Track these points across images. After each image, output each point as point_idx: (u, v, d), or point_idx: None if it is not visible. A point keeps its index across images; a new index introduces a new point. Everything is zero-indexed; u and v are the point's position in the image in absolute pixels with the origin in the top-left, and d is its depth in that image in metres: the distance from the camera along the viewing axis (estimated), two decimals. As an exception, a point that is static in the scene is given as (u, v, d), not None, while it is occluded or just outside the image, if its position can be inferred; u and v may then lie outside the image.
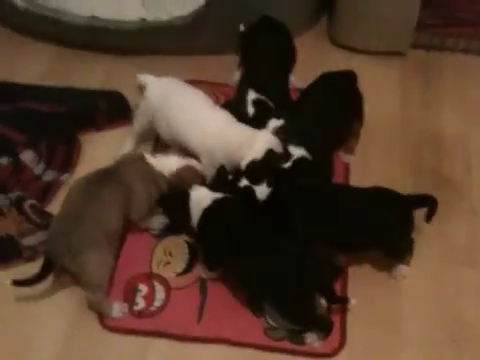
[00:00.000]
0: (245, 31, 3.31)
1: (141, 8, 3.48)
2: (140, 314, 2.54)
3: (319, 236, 2.55)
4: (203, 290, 2.61)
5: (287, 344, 2.48)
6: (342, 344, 2.48)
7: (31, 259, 2.64)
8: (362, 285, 2.63)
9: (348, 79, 2.97)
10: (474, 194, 2.99)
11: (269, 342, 2.48)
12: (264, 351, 2.46)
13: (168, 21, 3.41)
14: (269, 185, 2.61)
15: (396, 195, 2.60)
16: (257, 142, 2.68)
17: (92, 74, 3.45)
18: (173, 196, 2.64)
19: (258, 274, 2.42)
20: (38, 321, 2.52)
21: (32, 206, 2.76)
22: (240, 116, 2.87)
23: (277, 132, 2.75)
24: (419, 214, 2.64)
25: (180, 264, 2.69)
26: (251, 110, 2.91)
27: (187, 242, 2.75)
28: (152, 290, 2.61)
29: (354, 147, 3.04)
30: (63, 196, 2.64)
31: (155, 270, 2.67)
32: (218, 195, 2.56)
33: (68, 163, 2.99)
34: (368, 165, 3.05)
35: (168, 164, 2.69)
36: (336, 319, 2.52)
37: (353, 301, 2.47)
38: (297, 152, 2.67)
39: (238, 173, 2.66)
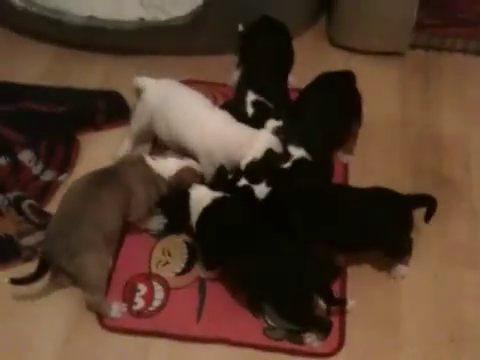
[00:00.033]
0: (244, 31, 3.31)
1: (140, 8, 3.48)
2: (139, 314, 2.54)
3: (319, 236, 2.55)
4: (202, 290, 2.60)
5: (286, 344, 2.47)
6: (341, 344, 2.48)
7: (30, 259, 2.64)
8: (361, 285, 2.63)
9: (347, 79, 2.96)
10: (474, 194, 2.99)
11: (268, 342, 2.48)
12: (263, 351, 2.46)
13: (167, 21, 3.41)
14: (268, 185, 2.60)
15: (395, 195, 2.60)
16: (257, 142, 2.68)
17: (91, 74, 3.45)
18: (173, 197, 2.64)
19: (257, 274, 2.42)
20: (37, 321, 2.52)
21: (31, 206, 2.76)
22: (239, 116, 2.87)
23: (277, 132, 2.75)
24: (419, 214, 2.64)
25: (179, 264, 2.69)
26: (250, 111, 2.91)
27: (186, 242, 2.75)
28: (151, 290, 2.61)
29: (353, 147, 3.04)
30: (62, 196, 2.64)
31: (154, 270, 2.67)
32: (218, 194, 2.56)
33: (67, 163, 2.99)
34: (367, 165, 3.05)
35: (167, 166, 2.69)
36: (335, 319, 2.52)
37: (351, 303, 2.46)
38: (297, 152, 2.67)
39: (238, 173, 2.66)
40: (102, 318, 2.52)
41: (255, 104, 2.92)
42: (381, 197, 2.59)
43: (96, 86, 3.36)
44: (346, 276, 2.66)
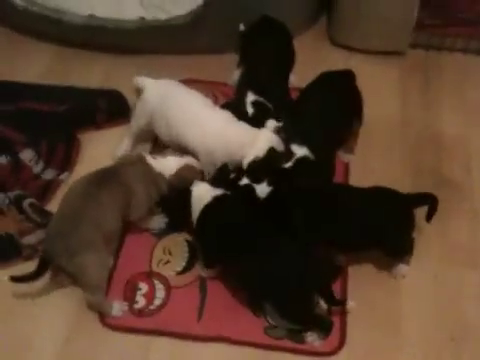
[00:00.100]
0: (245, 31, 3.31)
1: (140, 7, 3.48)
2: (140, 312, 2.54)
3: (319, 236, 2.55)
4: (203, 289, 2.61)
5: (287, 343, 2.47)
6: (342, 343, 2.48)
7: (30, 258, 2.63)
8: (362, 285, 2.63)
9: (347, 78, 2.96)
10: (474, 194, 2.99)
11: (269, 341, 2.48)
12: (264, 350, 2.46)
13: (167, 20, 3.41)
14: (269, 184, 2.60)
15: (396, 194, 2.59)
16: (259, 141, 2.69)
17: (91, 73, 3.46)
18: (175, 195, 2.63)
19: (258, 274, 2.42)
20: (38, 321, 2.52)
21: (32, 205, 2.76)
22: (240, 116, 2.87)
23: (278, 131, 2.75)
24: (419, 214, 2.64)
25: (180, 263, 2.69)
26: (250, 111, 2.91)
27: (187, 241, 2.75)
28: (152, 289, 2.61)
29: (354, 147, 3.04)
30: (62, 195, 2.64)
31: (155, 269, 2.67)
32: (218, 192, 2.56)
33: (67, 162, 2.99)
34: (368, 165, 3.05)
35: (168, 165, 2.68)
36: (336, 318, 2.52)
37: (351, 303, 2.47)
38: (300, 151, 2.67)
39: (240, 171, 2.66)
40: (103, 317, 2.51)
41: (255, 105, 2.92)
42: (382, 196, 2.59)
43: (96, 85, 3.36)
44: (347, 276, 2.65)
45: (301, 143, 2.68)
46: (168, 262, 2.69)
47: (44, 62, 3.51)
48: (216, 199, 2.54)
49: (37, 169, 2.95)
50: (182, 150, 2.81)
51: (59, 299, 2.57)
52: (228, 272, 2.59)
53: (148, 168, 2.66)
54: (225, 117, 2.83)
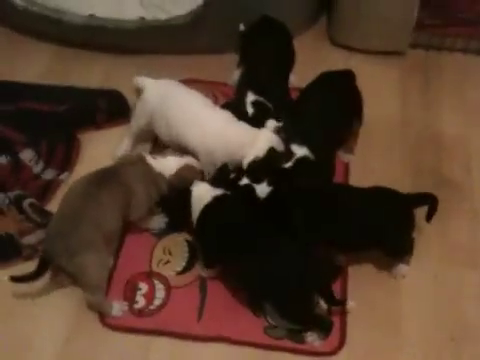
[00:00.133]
0: (245, 31, 3.30)
1: (140, 7, 3.48)
2: (140, 312, 2.54)
3: (319, 236, 2.55)
4: (203, 289, 2.60)
5: (287, 343, 2.47)
6: (342, 343, 2.48)
7: (30, 258, 2.63)
8: (362, 285, 2.63)
9: (347, 78, 2.96)
10: (474, 194, 2.99)
11: (269, 341, 2.48)
12: (264, 350, 2.46)
13: (167, 20, 3.41)
14: (269, 184, 2.60)
15: (396, 194, 2.59)
16: (259, 141, 2.69)
17: (91, 73, 3.45)
18: (175, 195, 2.63)
19: (257, 274, 2.42)
20: (38, 321, 2.52)
21: (32, 205, 2.75)
22: (240, 116, 2.87)
23: (278, 131, 2.75)
24: (419, 214, 2.64)
25: (180, 263, 2.69)
26: (250, 111, 2.91)
27: (187, 241, 2.75)
28: (152, 289, 2.61)
29: (353, 146, 3.04)
30: (63, 195, 2.64)
31: (155, 269, 2.67)
32: (218, 192, 2.56)
33: (67, 162, 2.99)
34: (368, 165, 3.05)
35: (168, 165, 2.68)
36: (336, 318, 2.52)
37: (351, 303, 2.47)
38: (300, 151, 2.67)
39: (240, 172, 2.66)
40: (103, 317, 2.51)
41: (255, 105, 2.92)
42: (382, 197, 2.59)
43: (96, 85, 3.36)
44: (347, 276, 2.65)
45: (301, 143, 2.68)
46: (168, 262, 2.69)
47: (44, 62, 3.51)
48: (216, 199, 2.54)
49: (37, 169, 2.94)
50: (182, 150, 2.81)
51: (59, 299, 2.57)
52: (228, 272, 2.59)
53: (148, 168, 2.66)
54: (225, 117, 2.83)
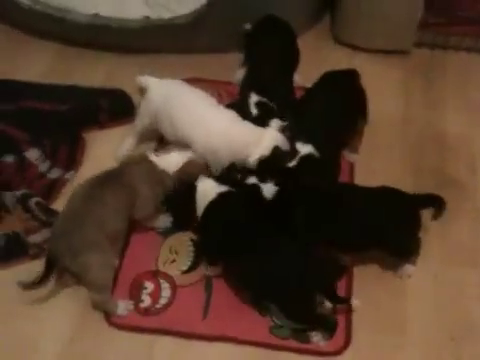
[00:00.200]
0: (249, 30, 3.30)
1: (145, 6, 3.47)
2: (146, 311, 2.54)
3: (323, 236, 2.55)
4: (208, 288, 2.61)
5: (292, 343, 2.48)
6: (347, 343, 2.48)
7: (37, 256, 2.64)
8: (367, 285, 2.63)
9: (351, 77, 2.96)
10: (477, 194, 2.99)
11: (274, 340, 2.48)
12: (269, 349, 2.46)
13: (170, 19, 3.40)
14: (276, 184, 2.60)
15: (403, 195, 2.59)
16: (264, 140, 2.69)
17: (94, 73, 3.45)
18: (179, 191, 2.64)
19: (258, 274, 2.42)
20: (42, 322, 2.52)
21: (38, 203, 2.76)
22: (245, 116, 2.88)
23: (283, 130, 2.76)
24: (423, 214, 2.63)
25: (185, 262, 2.69)
26: (254, 111, 2.92)
27: (192, 240, 2.75)
28: (158, 288, 2.61)
29: (358, 146, 3.04)
30: (68, 194, 2.64)
31: (161, 268, 2.67)
32: (224, 188, 2.57)
33: (73, 161, 2.99)
34: (372, 165, 3.05)
35: (172, 161, 2.69)
36: (341, 318, 2.53)
37: (355, 302, 2.48)
38: (304, 149, 2.67)
39: (247, 171, 2.66)
40: (108, 316, 2.52)
41: (258, 105, 2.92)
42: (388, 197, 2.58)
43: (99, 84, 3.35)
44: (352, 276, 2.66)
45: (306, 141, 2.68)
46: (174, 261, 2.69)
47: (46, 61, 3.51)
48: (221, 196, 2.55)
49: (43, 168, 2.95)
50: (187, 148, 2.81)
51: (63, 300, 2.57)
52: (229, 272, 2.60)
53: (152, 167, 2.66)
54: (230, 116, 2.83)
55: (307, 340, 2.48)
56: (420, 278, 2.68)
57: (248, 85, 3.06)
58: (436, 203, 2.61)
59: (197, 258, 2.69)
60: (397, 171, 3.05)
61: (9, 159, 2.94)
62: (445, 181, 3.02)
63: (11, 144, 2.99)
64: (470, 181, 3.05)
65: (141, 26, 3.39)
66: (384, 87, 3.43)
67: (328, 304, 2.47)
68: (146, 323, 2.51)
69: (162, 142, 3.02)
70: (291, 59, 3.20)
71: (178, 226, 2.77)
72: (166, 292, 2.60)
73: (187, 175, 2.65)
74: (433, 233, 2.76)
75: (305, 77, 3.17)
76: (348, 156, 3.03)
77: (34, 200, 2.76)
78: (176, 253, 2.72)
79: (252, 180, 2.62)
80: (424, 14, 3.47)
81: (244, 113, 2.90)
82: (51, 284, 2.56)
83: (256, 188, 2.60)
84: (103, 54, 3.52)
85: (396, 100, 3.40)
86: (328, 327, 2.49)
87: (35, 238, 2.68)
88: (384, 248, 2.61)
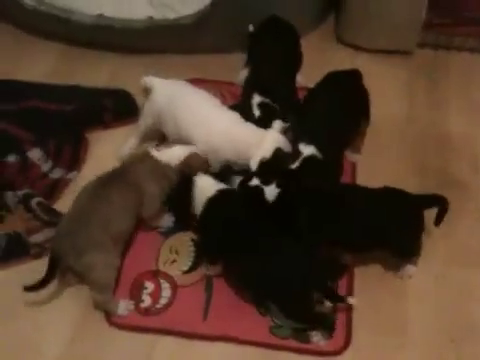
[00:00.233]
0: (253, 31, 3.31)
1: (149, 7, 3.47)
2: (146, 311, 2.55)
3: (326, 237, 2.54)
4: (209, 288, 2.61)
5: (292, 342, 2.48)
6: (347, 343, 2.48)
7: (38, 256, 2.65)
8: (368, 285, 2.63)
9: (354, 78, 2.96)
10: (481, 195, 2.99)
11: (274, 340, 2.48)
12: (269, 349, 2.46)
13: (175, 20, 3.41)
14: (278, 185, 2.59)
15: (406, 195, 2.58)
16: (265, 141, 2.69)
17: (98, 73, 3.45)
18: (178, 188, 2.64)
19: (258, 274, 2.42)
20: (43, 322, 2.53)
21: (39, 203, 2.77)
22: (247, 117, 2.88)
23: (285, 132, 2.76)
24: (425, 214, 2.62)
25: (186, 262, 2.70)
26: (257, 113, 2.92)
27: (193, 240, 2.76)
28: (158, 288, 2.61)
29: (360, 146, 3.04)
30: (70, 194, 2.66)
31: (161, 268, 2.68)
32: (223, 186, 2.58)
33: (75, 161, 3.00)
34: (375, 165, 3.04)
35: (174, 154, 2.70)
36: (341, 318, 2.53)
37: (352, 300, 2.47)
38: (307, 150, 2.67)
39: (250, 173, 2.65)
40: (109, 316, 2.52)
41: (261, 106, 2.92)
42: (391, 197, 2.57)
43: (103, 85, 3.36)
44: (353, 276, 2.65)
45: (308, 142, 2.68)
46: (174, 261, 2.70)
47: (50, 61, 3.51)
48: (220, 193, 2.55)
49: (45, 168, 2.96)
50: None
51: (64, 300, 2.58)
52: (229, 271, 2.60)
53: (156, 162, 2.66)
54: (232, 117, 2.84)
55: (307, 340, 2.48)
56: (421, 279, 2.67)
57: (251, 86, 3.06)
58: (439, 203, 2.59)
59: (198, 258, 2.70)
60: (400, 171, 3.04)
61: (12, 159, 2.95)
62: (448, 181, 3.02)
63: (14, 144, 3.00)
64: (473, 181, 3.04)
65: (145, 26, 3.40)
66: (387, 87, 3.43)
67: (328, 303, 2.47)
68: (146, 323, 2.52)
69: (164, 141, 3.01)
70: (294, 60, 3.21)
71: (179, 224, 2.77)
72: (166, 292, 2.60)
73: (189, 168, 2.66)
74: (435, 233, 2.74)
75: (308, 78, 3.17)
76: (350, 156, 3.03)
77: (36, 200, 2.77)
78: (177, 253, 2.72)
79: (255, 182, 2.61)
80: (428, 14, 3.46)
81: (247, 114, 2.90)
82: (52, 285, 2.55)
83: (258, 190, 2.59)
84: (107, 54, 3.53)
85: (399, 100, 3.39)
86: (326, 325, 2.50)
87: (37, 238, 2.69)
88: (387, 248, 2.60)
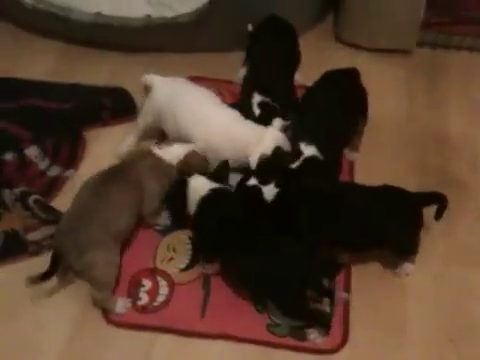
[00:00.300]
0: (252, 30, 3.31)
1: (147, 5, 3.47)
2: (144, 309, 2.54)
3: (326, 236, 2.54)
4: (206, 286, 2.61)
5: (290, 340, 2.47)
6: (344, 341, 2.48)
7: (35, 254, 2.65)
8: (366, 283, 2.63)
9: (351, 76, 2.96)
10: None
11: (272, 338, 2.48)
12: (267, 347, 2.46)
13: (173, 18, 3.41)
14: (277, 185, 2.59)
15: (405, 193, 2.58)
16: (265, 139, 2.69)
17: (97, 71, 3.45)
18: (174, 187, 2.65)
19: (256, 274, 2.42)
20: (42, 320, 2.52)
21: (37, 201, 2.76)
22: (247, 116, 2.88)
23: (285, 130, 2.76)
24: (424, 213, 2.62)
25: (183, 260, 2.69)
26: (257, 112, 2.92)
27: (190, 238, 2.75)
28: (156, 285, 2.61)
29: (358, 145, 3.04)
30: (68, 191, 2.66)
31: (159, 266, 2.67)
32: (216, 185, 2.57)
33: (73, 159, 3.00)
34: (373, 163, 3.04)
35: (175, 152, 2.70)
36: (338, 315, 2.53)
37: (345, 295, 2.49)
38: (308, 150, 2.66)
39: (249, 172, 2.65)
40: (107, 314, 2.52)
41: (261, 105, 2.92)
42: (390, 195, 2.57)
43: (103, 83, 3.36)
44: (351, 274, 2.65)
45: (309, 142, 2.67)
46: (172, 259, 2.70)
47: (50, 60, 3.51)
48: (213, 192, 2.55)
49: (43, 166, 2.95)
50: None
51: (63, 299, 2.57)
52: (226, 270, 2.60)
53: (157, 159, 2.67)
54: (232, 115, 2.84)
55: (304, 338, 2.48)
56: (420, 277, 2.67)
57: (250, 84, 3.06)
58: (438, 200, 2.59)
59: (195, 256, 2.69)
60: (399, 170, 3.04)
61: (9, 157, 2.95)
62: (447, 180, 3.01)
63: (12, 142, 3.00)
64: (472, 180, 3.04)
65: (143, 25, 3.40)
66: (386, 86, 3.43)
67: (326, 300, 2.48)
68: (144, 321, 2.51)
69: (163, 139, 3.02)
70: (292, 59, 3.21)
71: (175, 223, 2.77)
72: (164, 290, 2.60)
73: (188, 166, 2.66)
74: (434, 232, 2.75)
75: (307, 76, 3.16)
76: (348, 155, 3.03)
77: (33, 198, 2.76)
78: (174, 251, 2.72)
79: (253, 181, 2.60)
80: (426, 14, 3.46)
81: (246, 113, 2.90)
82: (51, 282, 2.54)
83: (256, 190, 2.59)
84: (107, 53, 3.53)
85: (398, 99, 3.39)
86: (323, 322, 2.49)
87: (34, 236, 2.69)
88: (386, 247, 2.60)
